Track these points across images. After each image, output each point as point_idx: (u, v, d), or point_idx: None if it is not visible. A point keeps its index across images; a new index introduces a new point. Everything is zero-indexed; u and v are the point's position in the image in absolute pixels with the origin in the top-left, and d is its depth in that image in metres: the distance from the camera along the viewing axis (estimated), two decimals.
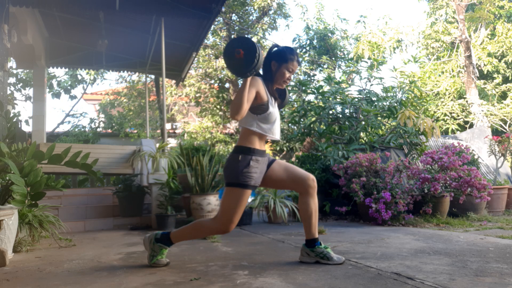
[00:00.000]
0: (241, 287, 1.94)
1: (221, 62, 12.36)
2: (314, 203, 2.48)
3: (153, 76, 10.19)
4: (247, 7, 13.36)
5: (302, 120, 6.95)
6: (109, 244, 3.65)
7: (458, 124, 12.30)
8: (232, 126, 14.71)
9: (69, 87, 12.66)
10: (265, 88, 2.38)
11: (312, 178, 2.48)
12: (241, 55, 2.11)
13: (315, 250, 2.45)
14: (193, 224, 2.46)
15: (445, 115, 12.28)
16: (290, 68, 2.42)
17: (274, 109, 2.41)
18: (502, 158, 6.53)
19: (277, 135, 2.45)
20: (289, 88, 7.54)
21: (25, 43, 6.84)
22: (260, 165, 2.38)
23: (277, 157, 10.29)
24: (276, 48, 2.49)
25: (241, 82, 2.22)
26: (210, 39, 13.36)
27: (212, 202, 4.73)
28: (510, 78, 12.74)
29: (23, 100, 11.36)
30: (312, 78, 13.59)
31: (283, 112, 10.04)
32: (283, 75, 2.42)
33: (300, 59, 2.68)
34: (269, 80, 2.44)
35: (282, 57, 2.43)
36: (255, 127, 2.36)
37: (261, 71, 2.47)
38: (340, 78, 8.78)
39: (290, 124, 7.62)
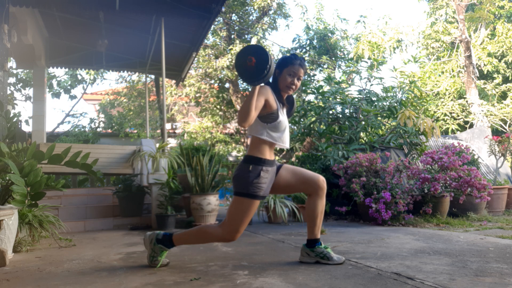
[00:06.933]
0: (241, 287, 1.94)
1: (221, 62, 12.36)
2: (322, 204, 2.48)
3: (153, 76, 10.18)
4: (247, 7, 13.35)
5: (302, 120, 6.95)
6: (109, 244, 3.65)
7: (458, 124, 12.30)
8: (232, 126, 14.72)
9: (69, 87, 12.65)
10: (274, 97, 2.38)
11: (322, 179, 2.48)
12: (252, 63, 2.09)
13: (315, 250, 2.46)
14: (197, 229, 2.45)
15: (445, 115, 12.28)
16: (291, 72, 2.40)
17: (283, 117, 2.41)
18: (502, 158, 6.53)
19: (286, 143, 2.44)
20: None
21: (25, 43, 6.83)
22: (269, 175, 2.37)
23: (277, 157, 10.28)
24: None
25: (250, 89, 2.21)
26: (210, 39, 13.36)
27: (212, 202, 4.74)
28: (510, 78, 12.74)
29: (23, 100, 11.36)
30: (312, 78, 13.59)
31: None
32: (285, 80, 2.40)
33: (304, 62, 2.65)
34: (275, 88, 2.43)
35: (282, 63, 2.43)
36: (265, 136, 2.35)
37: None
38: (340, 78, 8.78)
39: (290, 124, 7.64)
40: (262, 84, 2.27)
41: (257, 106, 2.20)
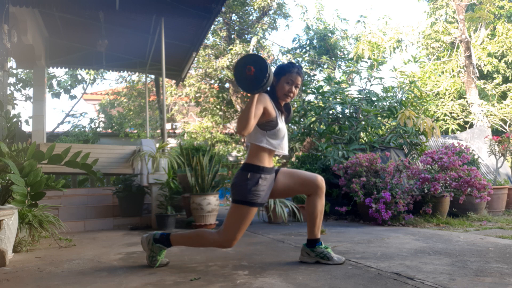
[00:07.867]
0: (241, 287, 1.94)
1: (221, 62, 12.36)
2: (321, 204, 2.49)
3: (153, 76, 10.19)
4: (247, 7, 13.36)
5: (302, 120, 6.95)
6: (109, 244, 3.65)
7: (458, 124, 12.30)
8: (232, 126, 14.71)
9: (69, 87, 12.66)
10: (273, 104, 2.39)
11: (320, 179, 2.48)
12: (251, 73, 2.09)
13: (315, 250, 2.46)
14: (195, 232, 2.47)
15: (445, 115, 12.28)
16: (288, 80, 2.41)
17: (282, 125, 2.43)
18: (502, 158, 6.53)
19: (285, 150, 2.46)
20: None
21: (25, 43, 6.83)
22: (268, 182, 2.38)
23: (276, 157, 10.27)
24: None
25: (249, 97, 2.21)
26: (210, 39, 13.36)
27: (212, 202, 4.73)
28: (510, 78, 12.74)
29: (23, 100, 11.36)
30: (312, 78, 13.58)
31: None
32: (282, 88, 2.42)
33: (301, 69, 2.60)
34: (273, 96, 2.44)
35: (279, 71, 2.44)
36: (264, 143, 2.36)
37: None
38: (340, 78, 8.78)
39: (290, 124, 7.64)
40: (261, 92, 2.28)
41: (256, 114, 2.20)
